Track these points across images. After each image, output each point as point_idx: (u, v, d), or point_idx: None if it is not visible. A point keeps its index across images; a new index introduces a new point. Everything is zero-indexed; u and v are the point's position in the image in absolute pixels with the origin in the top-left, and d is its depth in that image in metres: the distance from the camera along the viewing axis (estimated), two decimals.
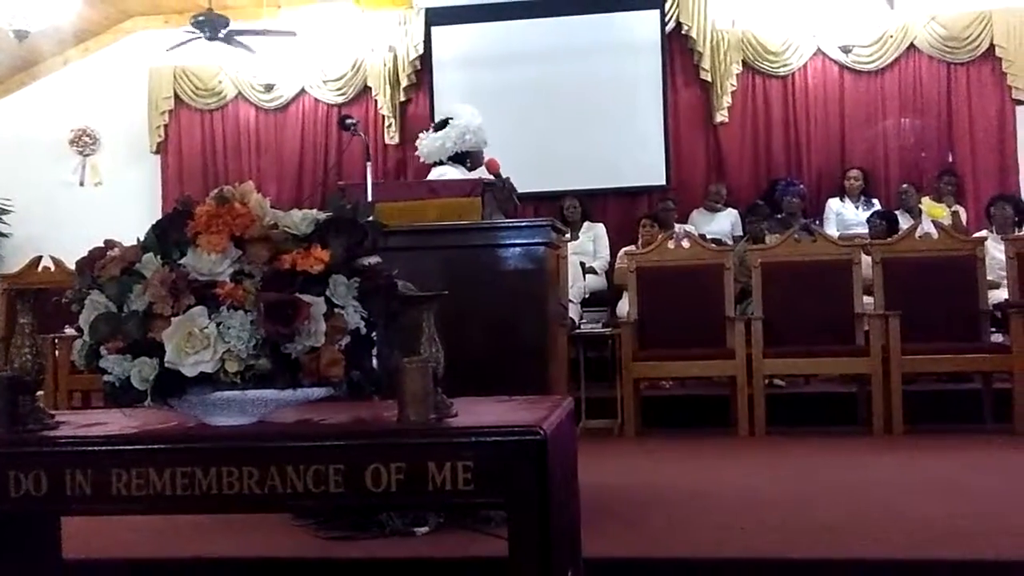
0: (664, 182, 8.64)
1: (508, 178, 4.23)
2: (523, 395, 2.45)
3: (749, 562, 3.01)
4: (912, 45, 8.47)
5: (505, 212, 4.13)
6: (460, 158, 4.44)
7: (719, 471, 4.50)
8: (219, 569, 3.09)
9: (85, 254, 2.06)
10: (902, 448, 4.99)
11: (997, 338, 5.82)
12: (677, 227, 7.51)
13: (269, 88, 9.27)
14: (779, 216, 7.82)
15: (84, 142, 9.51)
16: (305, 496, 1.88)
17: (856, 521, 3.38)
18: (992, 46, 8.30)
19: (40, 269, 6.46)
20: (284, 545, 3.19)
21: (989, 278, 6.00)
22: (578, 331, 6.38)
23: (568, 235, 5.02)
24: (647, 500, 3.90)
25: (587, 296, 7.38)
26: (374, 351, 2.02)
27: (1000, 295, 5.96)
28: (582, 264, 7.43)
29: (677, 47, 8.81)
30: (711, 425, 5.70)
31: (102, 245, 2.08)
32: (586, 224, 7.89)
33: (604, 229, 8.02)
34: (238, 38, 8.26)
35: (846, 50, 8.52)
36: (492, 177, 4.19)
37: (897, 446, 5.07)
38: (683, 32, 8.71)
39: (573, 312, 6.32)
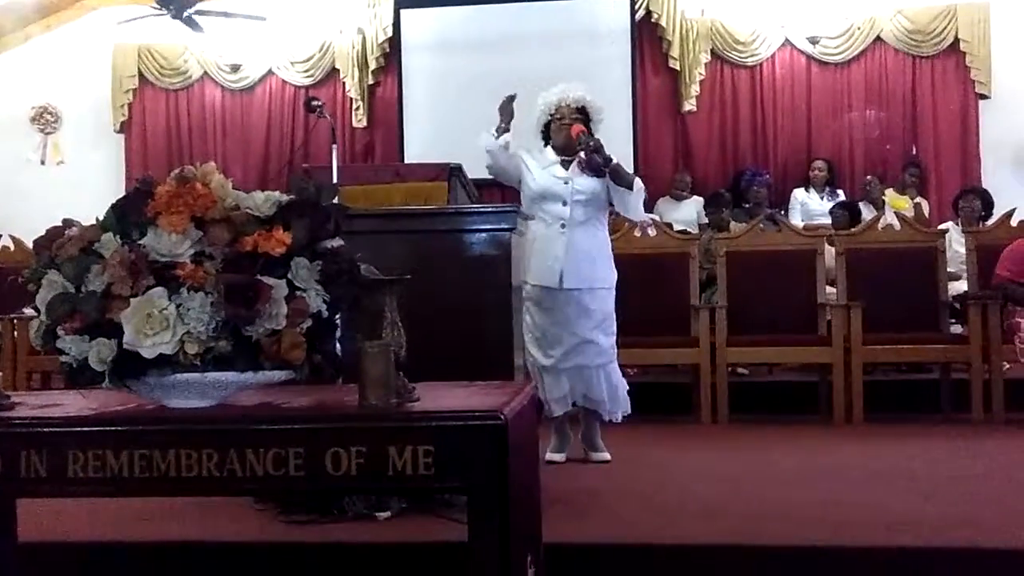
0: (632, 170, 8.63)
1: (597, 140, 4.15)
2: (486, 381, 2.45)
3: (708, 548, 3.03)
4: (879, 38, 8.55)
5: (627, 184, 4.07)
6: (545, 137, 4.34)
7: (681, 458, 4.53)
8: (178, 553, 3.07)
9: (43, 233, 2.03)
10: (862, 437, 5.05)
11: (956, 329, 5.90)
12: None
13: (235, 68, 9.17)
14: (745, 206, 7.86)
15: (46, 120, 9.36)
16: (264, 479, 1.87)
17: (815, 508, 3.42)
18: (957, 40, 8.39)
19: None
20: (244, 529, 3.18)
21: (951, 270, 6.08)
22: None
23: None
24: (608, 486, 3.91)
25: None
26: (336, 335, 2.01)
27: (961, 287, 6.04)
28: None
29: (646, 35, 8.82)
30: (674, 412, 5.73)
31: (60, 224, 2.05)
32: None
33: None
34: (202, 18, 8.15)
35: (814, 41, 8.58)
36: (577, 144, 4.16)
37: (857, 435, 5.13)
38: (652, 20, 8.73)
39: None
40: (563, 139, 4.23)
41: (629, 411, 4.32)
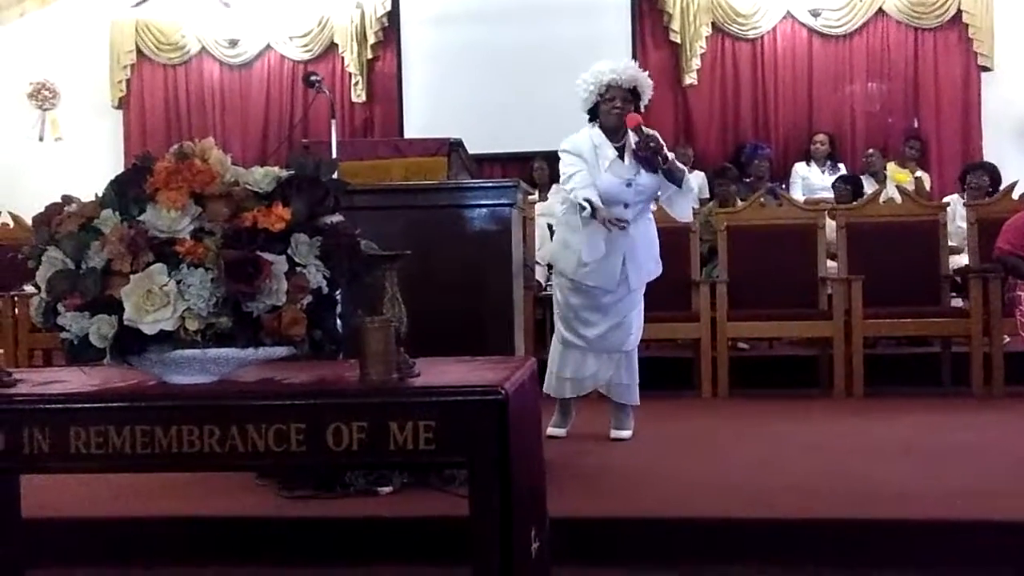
0: None
1: (654, 134, 4.05)
2: (487, 356, 2.45)
3: (710, 521, 3.05)
4: (880, 10, 8.49)
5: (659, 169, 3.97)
6: (592, 116, 4.24)
7: (682, 432, 4.54)
8: (181, 528, 3.08)
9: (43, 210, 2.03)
10: (862, 410, 5.05)
11: (957, 303, 5.89)
12: None
13: (234, 44, 9.12)
14: (746, 180, 7.84)
15: (44, 96, 9.31)
16: (266, 455, 1.87)
17: (816, 482, 3.43)
18: (959, 12, 8.33)
19: None
20: (247, 504, 3.19)
21: (952, 244, 6.06)
22: (544, 293, 6.38)
23: (536, 196, 5.00)
24: (611, 461, 3.93)
25: None
26: (336, 310, 2.00)
27: (962, 260, 6.03)
28: (549, 226, 7.40)
29: (647, 8, 8.76)
30: (675, 387, 5.73)
31: (59, 201, 2.05)
32: (554, 186, 7.86)
33: None
34: None
35: (815, 14, 8.53)
36: (633, 133, 4.06)
37: (857, 408, 5.14)
38: None
39: (539, 274, 6.31)
40: (614, 121, 4.08)
41: (637, 403, 4.34)
